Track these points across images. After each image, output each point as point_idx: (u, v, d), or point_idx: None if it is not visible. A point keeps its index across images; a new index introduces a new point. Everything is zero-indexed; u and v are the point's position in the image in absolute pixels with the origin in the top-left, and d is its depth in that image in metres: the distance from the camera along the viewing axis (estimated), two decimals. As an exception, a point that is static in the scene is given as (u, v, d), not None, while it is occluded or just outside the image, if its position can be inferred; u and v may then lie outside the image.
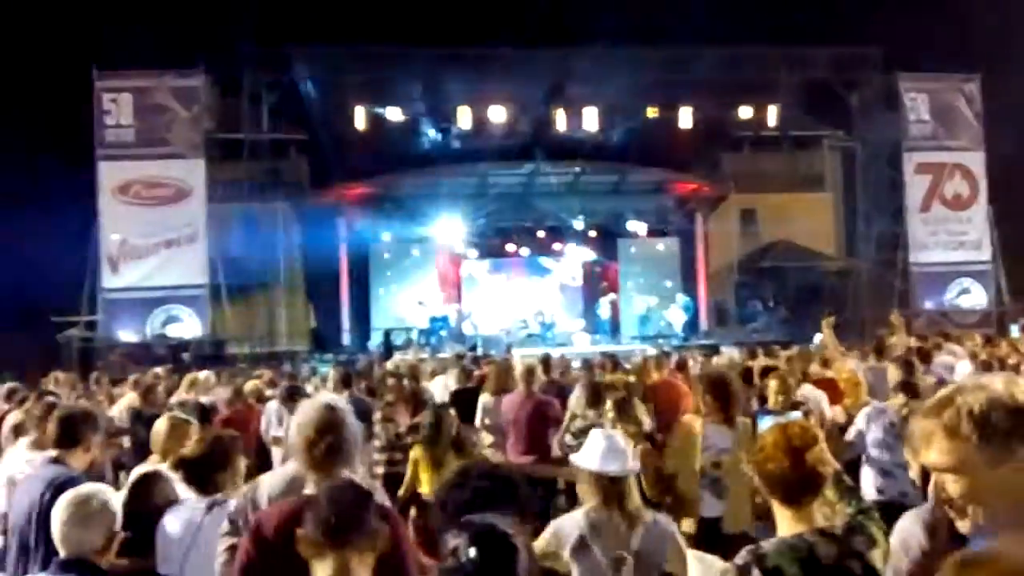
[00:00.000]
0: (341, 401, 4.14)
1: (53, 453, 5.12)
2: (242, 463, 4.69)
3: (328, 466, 3.64)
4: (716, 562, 3.16)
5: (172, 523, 4.34)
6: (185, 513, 4.35)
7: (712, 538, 5.77)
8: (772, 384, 7.60)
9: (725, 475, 6.05)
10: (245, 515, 4.04)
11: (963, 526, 2.05)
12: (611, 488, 4.18)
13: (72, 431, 5.17)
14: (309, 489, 3.62)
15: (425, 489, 6.87)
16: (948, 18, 30.51)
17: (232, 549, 3.99)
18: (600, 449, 4.26)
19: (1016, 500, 1.98)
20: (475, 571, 2.30)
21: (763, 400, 7.98)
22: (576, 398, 9.12)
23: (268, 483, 4.16)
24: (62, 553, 3.64)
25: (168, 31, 28.43)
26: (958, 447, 2.03)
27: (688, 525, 5.91)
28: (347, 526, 2.89)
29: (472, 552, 2.31)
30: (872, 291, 28.58)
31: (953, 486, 2.04)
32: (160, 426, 5.62)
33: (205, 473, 4.48)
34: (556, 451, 8.64)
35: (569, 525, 4.17)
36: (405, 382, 10.99)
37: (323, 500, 3.00)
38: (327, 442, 3.64)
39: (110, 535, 3.74)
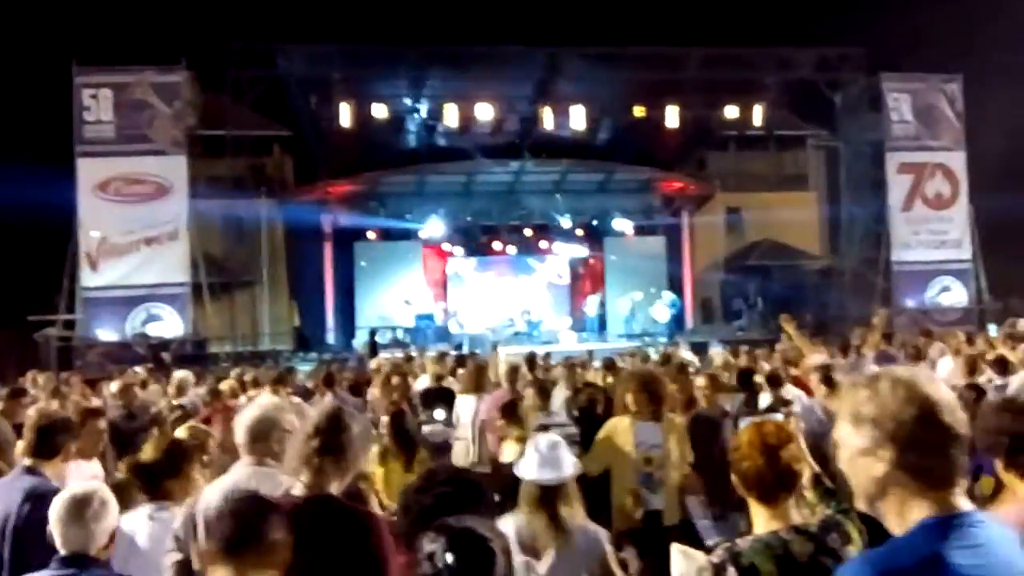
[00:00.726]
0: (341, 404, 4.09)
1: (28, 462, 5.02)
2: (197, 472, 4.60)
3: (322, 468, 3.55)
4: (699, 557, 3.12)
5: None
6: (126, 523, 4.27)
7: (655, 531, 6.07)
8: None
9: (657, 470, 6.30)
10: (190, 529, 3.98)
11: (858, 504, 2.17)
12: (543, 495, 4.18)
13: (50, 441, 5.07)
14: (298, 489, 3.55)
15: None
16: (930, 19, 30.67)
17: (178, 565, 3.93)
18: (536, 458, 4.26)
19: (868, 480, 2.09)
20: None
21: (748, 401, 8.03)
22: (557, 399, 9.10)
23: (211, 494, 4.09)
24: (63, 551, 3.60)
25: (150, 27, 28.40)
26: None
27: (631, 520, 6.13)
28: (244, 540, 2.82)
29: (449, 557, 2.26)
30: (855, 289, 28.78)
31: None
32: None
33: (156, 480, 4.41)
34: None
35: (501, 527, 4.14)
36: (410, 380, 10.92)
37: (221, 512, 2.94)
38: (323, 441, 3.56)
39: (112, 533, 3.72)
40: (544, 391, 8.51)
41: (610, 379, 10.77)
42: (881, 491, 2.07)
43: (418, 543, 2.37)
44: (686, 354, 15.30)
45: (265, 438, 4.28)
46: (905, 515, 2.05)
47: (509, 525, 4.09)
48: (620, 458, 6.27)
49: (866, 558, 2.12)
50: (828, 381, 7.43)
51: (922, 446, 2.01)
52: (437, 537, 2.32)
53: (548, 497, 4.16)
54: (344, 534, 3.38)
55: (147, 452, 4.55)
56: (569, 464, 4.29)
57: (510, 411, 6.55)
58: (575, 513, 4.25)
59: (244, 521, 2.85)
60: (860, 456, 2.09)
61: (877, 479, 2.07)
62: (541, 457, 4.25)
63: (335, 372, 12.77)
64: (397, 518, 3.17)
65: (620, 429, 6.43)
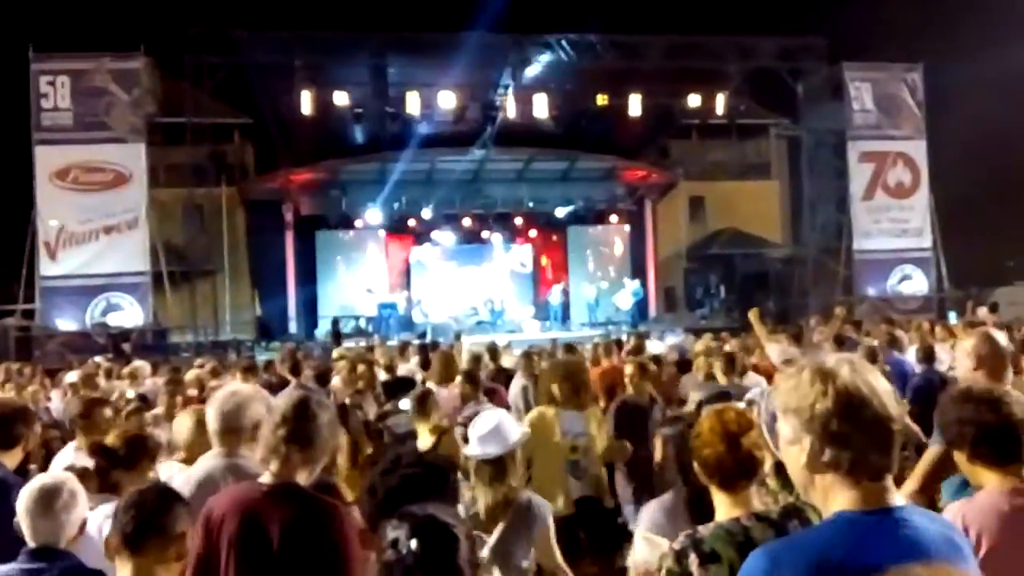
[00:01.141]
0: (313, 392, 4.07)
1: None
2: (151, 473, 4.53)
3: (289, 457, 3.49)
4: (662, 543, 3.13)
5: None
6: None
7: (586, 516, 6.33)
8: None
9: (583, 457, 6.45)
10: None
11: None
12: (489, 470, 4.25)
13: (8, 431, 4.98)
14: (266, 478, 3.51)
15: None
16: (892, 8, 30.88)
17: None
18: (479, 433, 4.33)
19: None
20: (416, 563, 2.27)
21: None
22: (515, 387, 9.11)
23: (185, 480, 4.05)
24: (32, 543, 3.52)
25: (108, 13, 28.02)
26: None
27: (561, 506, 6.20)
28: (145, 532, 2.79)
29: (413, 543, 2.27)
30: (817, 278, 29.00)
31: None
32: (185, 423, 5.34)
33: (108, 468, 4.34)
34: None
35: None
36: (376, 370, 10.86)
37: (124, 505, 2.90)
38: (290, 430, 3.51)
39: (82, 524, 3.63)
40: (473, 381, 8.47)
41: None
42: (809, 481, 2.09)
43: (382, 530, 2.38)
44: (655, 344, 15.33)
45: (237, 428, 4.27)
46: (829, 506, 2.06)
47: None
48: (545, 447, 6.35)
49: (767, 547, 2.15)
50: (755, 368, 7.52)
51: (840, 438, 2.00)
52: (400, 524, 2.33)
53: (495, 471, 4.22)
54: (309, 524, 3.36)
55: (111, 439, 4.49)
56: (513, 434, 4.34)
57: (420, 403, 6.71)
58: (521, 486, 4.35)
59: (146, 514, 2.83)
60: (788, 446, 2.11)
61: (802, 470, 2.08)
62: (483, 433, 4.30)
63: (300, 360, 12.68)
64: (362, 501, 3.14)
65: (546, 419, 6.54)
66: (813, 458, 2.04)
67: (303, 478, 3.51)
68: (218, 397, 4.48)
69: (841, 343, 10.07)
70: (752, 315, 10.01)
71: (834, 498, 2.04)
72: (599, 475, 6.58)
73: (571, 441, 6.43)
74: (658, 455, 4.26)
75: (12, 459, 4.93)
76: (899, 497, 2.06)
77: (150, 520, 2.82)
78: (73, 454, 5.70)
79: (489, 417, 4.44)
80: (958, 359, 4.80)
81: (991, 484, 3.16)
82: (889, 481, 2.05)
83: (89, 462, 4.67)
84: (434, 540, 2.29)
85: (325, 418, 3.61)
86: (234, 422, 4.27)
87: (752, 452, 3.05)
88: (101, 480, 4.33)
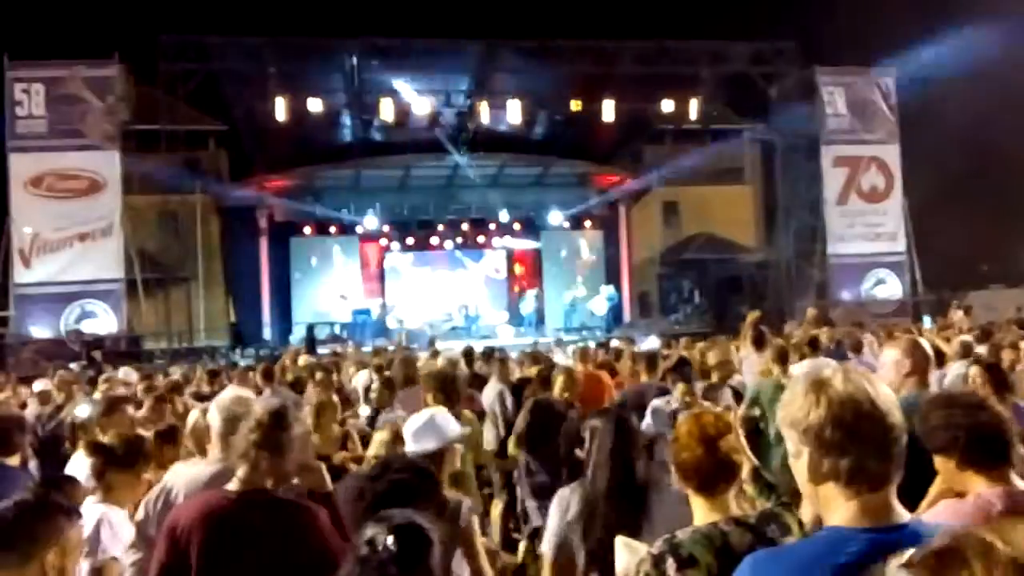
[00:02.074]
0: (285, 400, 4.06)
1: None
2: (146, 475, 4.52)
3: (258, 463, 3.48)
4: (640, 548, 3.15)
5: None
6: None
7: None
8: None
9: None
10: (152, 524, 3.94)
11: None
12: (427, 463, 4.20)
13: (8, 438, 4.99)
14: (232, 485, 3.50)
15: None
16: (863, 12, 31.07)
17: (139, 564, 3.89)
18: (413, 428, 4.36)
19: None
20: (391, 560, 2.32)
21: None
22: (490, 392, 9.16)
23: (184, 484, 4.05)
24: None
25: (83, 20, 27.87)
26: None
27: None
28: (10, 538, 2.77)
29: (390, 541, 2.33)
30: (791, 282, 29.06)
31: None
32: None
33: (104, 468, 4.33)
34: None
35: None
36: (335, 377, 10.89)
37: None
38: (263, 436, 3.49)
39: None
40: (391, 386, 8.66)
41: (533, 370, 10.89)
42: (813, 494, 2.08)
43: (361, 530, 2.43)
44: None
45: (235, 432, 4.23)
46: (829, 518, 2.06)
47: None
48: None
49: (755, 555, 2.16)
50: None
51: (836, 446, 2.00)
52: (379, 524, 2.39)
53: (432, 464, 4.17)
54: (281, 528, 3.35)
55: (111, 437, 4.48)
56: (451, 428, 4.37)
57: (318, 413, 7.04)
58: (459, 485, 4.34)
59: (11, 521, 2.79)
60: (793, 461, 2.11)
61: (806, 483, 2.08)
62: (416, 428, 4.33)
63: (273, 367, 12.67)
64: (348, 505, 3.16)
65: None
66: (813, 469, 2.04)
67: (270, 485, 3.49)
68: (221, 401, 4.46)
69: (815, 345, 10.12)
70: (750, 318, 10.31)
71: (834, 510, 2.04)
72: (469, 475, 6.69)
73: None
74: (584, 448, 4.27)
75: (14, 463, 4.96)
76: (904, 513, 2.04)
77: (16, 527, 2.74)
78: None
79: (424, 412, 4.46)
80: (882, 368, 4.78)
81: (981, 487, 3.11)
82: (891, 492, 2.03)
83: None
84: (410, 540, 2.35)
85: (299, 430, 3.61)
86: (235, 428, 4.23)
87: (730, 456, 3.06)
88: (97, 479, 4.32)
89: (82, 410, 7.70)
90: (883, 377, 4.58)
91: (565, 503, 3.89)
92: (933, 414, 3.34)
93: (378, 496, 2.87)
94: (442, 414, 4.48)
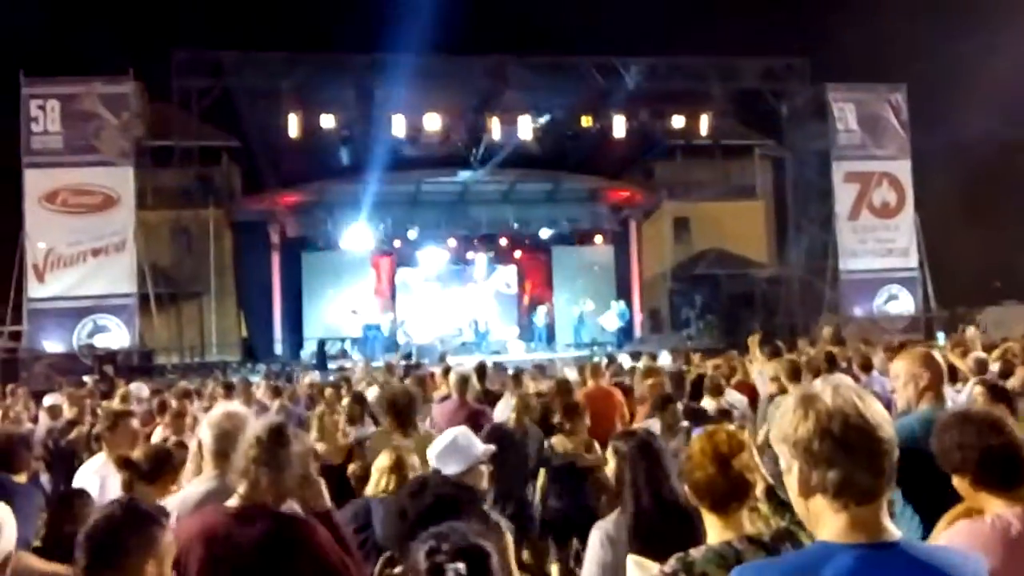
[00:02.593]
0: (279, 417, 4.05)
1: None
2: (174, 487, 4.52)
3: (258, 479, 3.48)
4: (652, 567, 3.14)
5: None
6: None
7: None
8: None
9: None
10: None
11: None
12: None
13: (16, 457, 5.02)
14: (232, 501, 3.49)
15: None
16: (874, 29, 31.07)
17: None
18: (437, 450, 4.23)
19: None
20: None
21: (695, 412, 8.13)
22: (503, 409, 9.16)
23: (177, 504, 4.05)
24: None
25: (98, 37, 27.97)
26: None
27: None
28: (109, 556, 2.74)
29: (461, 567, 2.26)
30: (803, 298, 28.99)
31: None
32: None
33: (132, 482, 4.34)
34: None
35: None
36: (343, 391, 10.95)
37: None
38: (262, 452, 3.49)
39: (6, 557, 3.42)
40: (361, 400, 8.89)
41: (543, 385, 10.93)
42: (804, 509, 2.09)
43: (414, 553, 2.37)
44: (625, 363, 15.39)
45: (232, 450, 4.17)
46: (818, 533, 2.06)
47: None
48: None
49: (741, 568, 2.18)
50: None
51: (824, 459, 2.00)
52: (439, 546, 2.32)
53: None
54: (281, 543, 3.35)
55: (137, 453, 4.48)
56: (476, 448, 4.26)
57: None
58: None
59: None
60: (786, 476, 2.11)
61: (797, 497, 2.09)
62: (440, 449, 4.22)
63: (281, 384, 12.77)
64: (387, 523, 3.13)
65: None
66: (802, 483, 2.03)
67: (270, 503, 3.48)
68: (212, 418, 4.43)
69: (832, 362, 10.12)
70: (752, 340, 10.27)
71: (823, 524, 2.03)
72: None
73: None
74: (610, 469, 4.20)
75: (21, 480, 4.98)
76: (895, 530, 2.03)
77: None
78: (102, 463, 5.70)
79: (448, 433, 4.33)
80: (895, 380, 4.64)
81: (997, 508, 3.06)
82: (881, 507, 2.02)
83: (115, 472, 4.73)
84: (477, 562, 2.30)
85: (299, 448, 3.59)
86: (228, 444, 4.16)
87: (743, 474, 3.05)
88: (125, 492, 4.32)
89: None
90: (898, 391, 4.55)
91: (610, 535, 3.79)
92: (947, 433, 3.30)
93: (421, 513, 2.86)
94: (464, 434, 4.34)
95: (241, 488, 3.49)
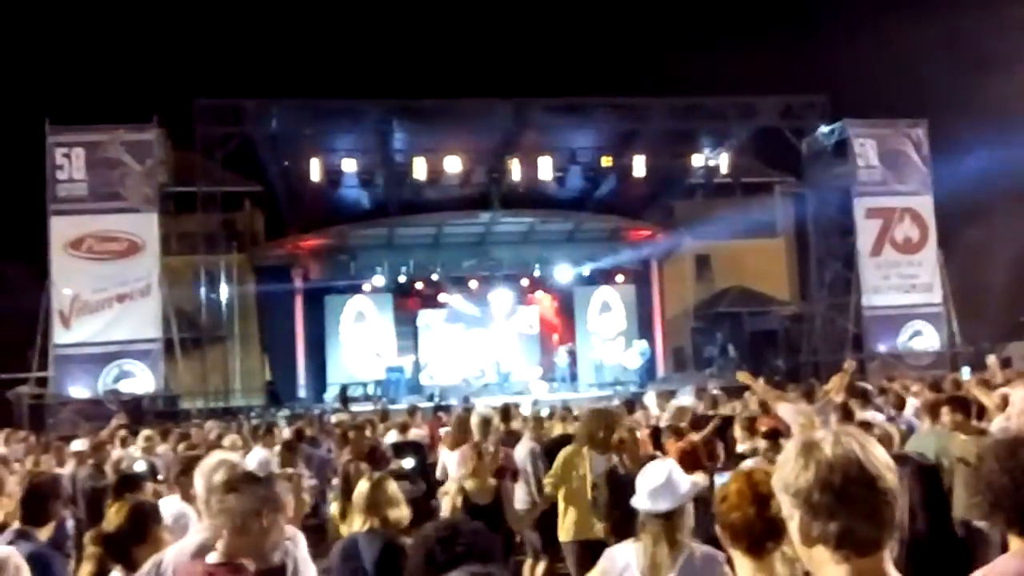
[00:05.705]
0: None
1: (17, 526, 4.94)
2: (163, 533, 4.43)
3: (240, 532, 3.50)
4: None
5: None
6: None
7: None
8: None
9: None
10: None
11: None
12: (661, 523, 4.06)
13: (40, 505, 5.02)
14: (211, 557, 3.50)
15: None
16: (893, 64, 31.12)
17: None
18: (649, 486, 4.12)
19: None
20: None
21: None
22: (522, 450, 9.16)
23: (173, 556, 4.02)
24: None
25: (122, 85, 28.41)
26: None
27: None
28: None
29: None
30: (826, 335, 28.79)
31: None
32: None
33: (123, 548, 4.23)
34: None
35: (621, 554, 4.15)
36: (367, 432, 10.95)
37: None
38: (242, 506, 3.52)
39: None
40: (292, 448, 9.26)
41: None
42: (807, 556, 2.05)
43: None
44: (650, 402, 15.32)
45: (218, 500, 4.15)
46: None
47: (630, 552, 4.09)
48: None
49: None
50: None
51: (825, 510, 1.97)
52: None
53: (665, 526, 4.05)
54: None
55: (110, 520, 4.38)
56: (683, 486, 4.14)
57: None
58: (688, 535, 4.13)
59: None
60: (788, 523, 2.09)
61: (797, 544, 2.06)
62: (654, 486, 4.10)
63: (303, 427, 12.81)
64: (412, 565, 3.13)
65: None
66: (803, 532, 2.01)
67: (249, 553, 3.49)
68: (203, 467, 4.41)
69: (854, 393, 10.04)
70: (741, 377, 10.22)
71: (825, 574, 2.00)
72: None
73: None
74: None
75: (45, 533, 4.97)
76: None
77: None
78: (178, 504, 5.63)
79: (659, 469, 4.20)
80: (1012, 407, 4.43)
81: (1016, 546, 2.84)
82: (884, 558, 1.99)
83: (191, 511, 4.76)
84: None
85: (279, 497, 3.64)
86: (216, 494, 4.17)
87: (780, 515, 3.01)
88: (120, 561, 4.25)
89: (139, 465, 7.81)
90: (1012, 418, 4.33)
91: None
92: (988, 474, 3.04)
93: (451, 559, 2.87)
94: (678, 471, 4.24)
95: (220, 543, 3.52)
